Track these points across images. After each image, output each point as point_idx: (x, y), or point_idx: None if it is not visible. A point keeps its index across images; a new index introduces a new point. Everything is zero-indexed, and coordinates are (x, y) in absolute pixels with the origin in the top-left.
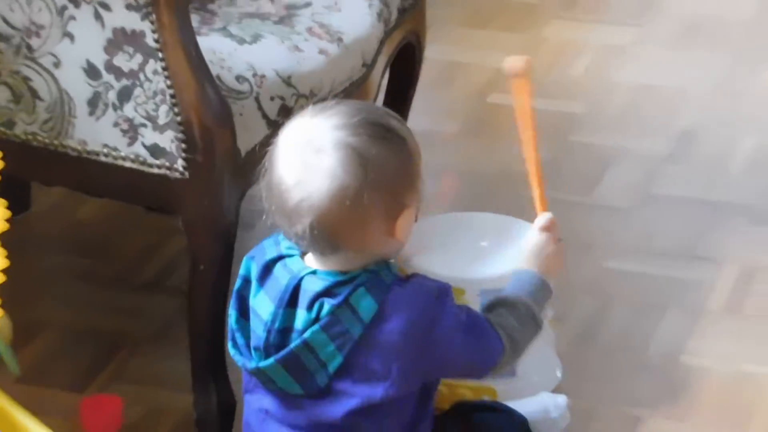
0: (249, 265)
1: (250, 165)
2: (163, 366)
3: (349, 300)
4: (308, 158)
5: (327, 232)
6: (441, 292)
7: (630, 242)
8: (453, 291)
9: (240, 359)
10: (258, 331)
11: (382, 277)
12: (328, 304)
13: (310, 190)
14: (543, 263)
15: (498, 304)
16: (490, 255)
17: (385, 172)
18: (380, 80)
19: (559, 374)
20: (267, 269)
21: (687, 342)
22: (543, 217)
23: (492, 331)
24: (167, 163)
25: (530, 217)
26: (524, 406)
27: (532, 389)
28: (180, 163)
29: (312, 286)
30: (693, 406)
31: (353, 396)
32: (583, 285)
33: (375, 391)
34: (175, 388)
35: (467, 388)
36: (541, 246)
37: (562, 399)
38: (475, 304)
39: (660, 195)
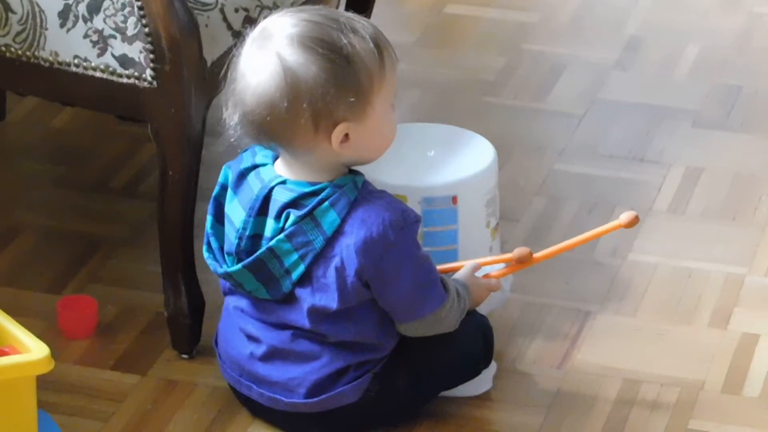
0: (227, 173)
1: (216, 75)
2: (136, 268)
3: (314, 213)
4: (251, 57)
5: (254, 125)
6: (405, 222)
7: (580, 146)
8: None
9: (213, 263)
10: (231, 237)
11: (347, 193)
12: (293, 215)
13: (243, 84)
14: (473, 289)
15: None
16: (435, 164)
17: (306, 85)
18: None
19: (508, 288)
20: (241, 177)
21: (634, 241)
22: (498, 281)
23: (439, 289)
24: (136, 73)
25: (484, 125)
26: None
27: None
28: (148, 73)
29: (281, 197)
30: (641, 301)
31: (311, 304)
32: (534, 186)
33: (330, 302)
34: (147, 288)
35: None
36: (481, 284)
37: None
38: (416, 210)
39: (608, 100)
